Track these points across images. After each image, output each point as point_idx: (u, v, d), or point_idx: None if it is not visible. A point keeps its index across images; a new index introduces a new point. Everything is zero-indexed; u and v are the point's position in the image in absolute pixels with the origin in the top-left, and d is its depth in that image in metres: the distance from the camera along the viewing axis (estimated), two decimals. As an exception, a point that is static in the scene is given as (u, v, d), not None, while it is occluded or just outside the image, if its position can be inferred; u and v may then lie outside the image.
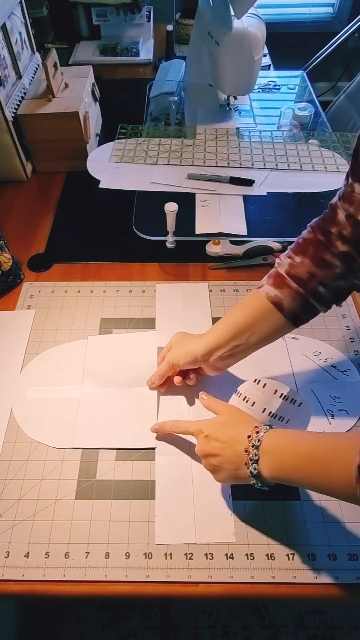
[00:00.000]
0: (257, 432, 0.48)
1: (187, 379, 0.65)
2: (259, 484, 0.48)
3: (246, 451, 0.47)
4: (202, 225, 0.86)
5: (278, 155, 0.97)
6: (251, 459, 0.47)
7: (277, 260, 0.58)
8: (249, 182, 0.89)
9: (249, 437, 0.48)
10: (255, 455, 0.46)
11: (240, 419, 0.52)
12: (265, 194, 0.89)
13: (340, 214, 0.52)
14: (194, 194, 0.89)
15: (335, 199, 0.54)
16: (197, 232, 0.85)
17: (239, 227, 0.86)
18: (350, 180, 0.51)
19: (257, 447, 0.47)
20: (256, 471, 0.46)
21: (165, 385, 0.66)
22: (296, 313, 0.56)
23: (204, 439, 0.52)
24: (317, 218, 0.56)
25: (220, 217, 0.87)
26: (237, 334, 0.57)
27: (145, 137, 1.01)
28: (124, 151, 0.97)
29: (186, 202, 0.85)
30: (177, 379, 0.64)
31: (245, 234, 0.85)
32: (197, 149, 0.98)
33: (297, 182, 0.91)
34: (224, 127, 1.05)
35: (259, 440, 0.47)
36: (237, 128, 1.04)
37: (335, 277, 0.54)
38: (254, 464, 0.46)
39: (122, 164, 0.91)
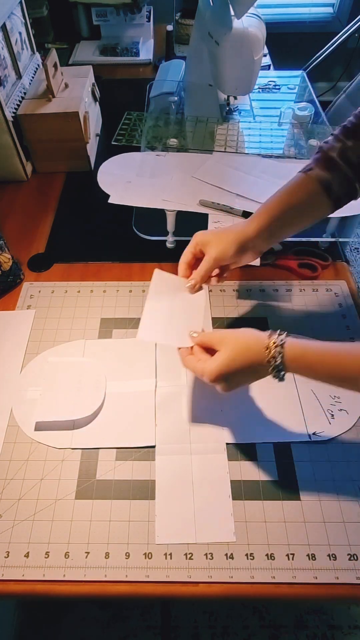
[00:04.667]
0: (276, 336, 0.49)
1: (222, 273, 0.64)
2: (279, 370, 0.49)
3: (267, 348, 0.49)
4: None
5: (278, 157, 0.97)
6: (275, 345, 0.48)
7: (323, 144, 0.58)
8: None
9: (266, 348, 0.49)
10: (280, 344, 0.48)
11: (248, 346, 0.51)
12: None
13: None
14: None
15: None
16: None
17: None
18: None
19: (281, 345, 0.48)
20: (280, 355, 0.48)
21: (209, 281, 0.64)
22: (339, 196, 0.57)
23: (224, 383, 0.52)
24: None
25: None
26: (284, 214, 0.58)
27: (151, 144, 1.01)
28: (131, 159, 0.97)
29: (198, 218, 0.84)
30: (213, 280, 0.64)
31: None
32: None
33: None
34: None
35: (282, 340, 0.49)
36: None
37: None
38: (277, 348, 0.48)
39: (135, 179, 0.90)
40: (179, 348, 0.57)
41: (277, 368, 0.48)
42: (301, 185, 0.58)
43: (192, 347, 0.56)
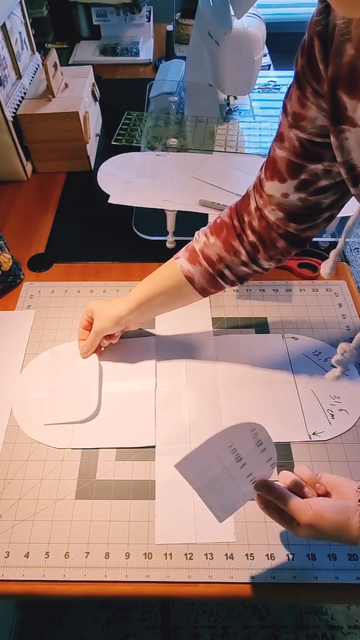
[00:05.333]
0: None
1: (112, 337, 0.70)
2: None
3: None
4: None
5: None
6: None
7: (196, 234, 0.62)
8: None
9: None
10: None
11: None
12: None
13: (252, 203, 0.56)
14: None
15: (251, 186, 0.58)
16: None
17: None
18: (261, 174, 0.54)
19: None
20: None
21: (98, 351, 0.70)
22: (204, 287, 0.62)
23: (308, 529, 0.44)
24: (238, 200, 0.60)
25: None
26: (152, 298, 0.64)
27: (151, 144, 1.01)
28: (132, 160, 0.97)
29: (198, 218, 0.83)
30: (104, 342, 0.70)
31: None
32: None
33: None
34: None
35: None
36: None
37: (239, 263, 0.59)
38: None
39: (135, 179, 0.89)
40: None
41: None
42: (169, 274, 0.63)
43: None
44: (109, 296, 0.79)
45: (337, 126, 0.41)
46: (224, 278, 0.61)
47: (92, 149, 1.07)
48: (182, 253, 0.62)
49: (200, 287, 0.62)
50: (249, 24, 0.83)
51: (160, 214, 0.81)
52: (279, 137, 0.50)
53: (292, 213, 0.53)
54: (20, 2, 1.03)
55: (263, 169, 0.54)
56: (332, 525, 0.43)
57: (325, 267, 0.49)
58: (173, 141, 0.97)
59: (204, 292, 0.63)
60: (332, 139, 0.43)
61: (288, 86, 0.48)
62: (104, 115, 1.20)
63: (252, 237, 0.57)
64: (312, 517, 0.43)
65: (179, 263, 0.62)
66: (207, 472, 0.45)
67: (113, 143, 0.98)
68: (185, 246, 0.63)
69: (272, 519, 0.46)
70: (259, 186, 0.55)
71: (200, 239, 0.61)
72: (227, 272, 0.60)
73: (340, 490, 0.45)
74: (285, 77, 1.30)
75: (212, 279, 0.61)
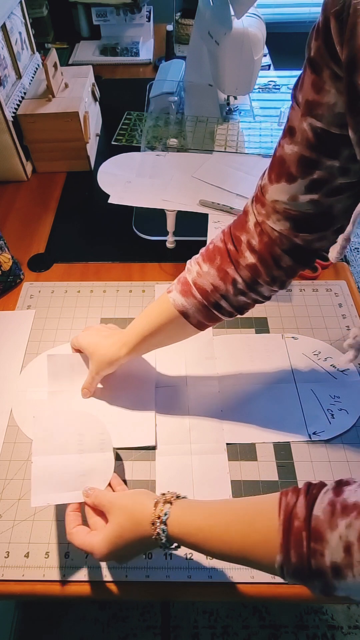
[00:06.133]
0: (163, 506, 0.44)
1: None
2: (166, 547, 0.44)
3: (153, 524, 0.43)
4: None
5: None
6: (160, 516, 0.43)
7: (187, 263, 0.57)
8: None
9: (152, 523, 0.43)
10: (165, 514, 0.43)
11: (136, 520, 0.45)
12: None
13: (250, 219, 0.51)
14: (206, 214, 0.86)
15: (247, 203, 0.52)
16: None
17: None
18: (262, 182, 0.50)
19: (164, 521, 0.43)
20: (165, 533, 0.42)
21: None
22: (200, 321, 0.56)
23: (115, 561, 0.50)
24: (234, 220, 0.54)
25: None
26: (149, 338, 0.59)
27: (151, 144, 1.01)
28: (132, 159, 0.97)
29: (198, 218, 0.83)
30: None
31: None
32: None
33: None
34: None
35: (165, 514, 0.43)
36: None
37: (237, 293, 0.53)
38: (161, 526, 0.43)
39: (135, 179, 0.89)
40: (67, 515, 0.51)
41: (164, 546, 0.44)
42: (163, 310, 0.57)
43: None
44: (109, 296, 0.79)
45: (356, 118, 0.37)
46: (221, 310, 0.54)
47: (92, 149, 1.07)
48: (175, 286, 0.56)
49: (197, 321, 0.56)
50: (249, 24, 0.83)
51: (160, 214, 0.81)
52: (288, 132, 0.45)
53: (301, 220, 0.47)
54: (20, 2, 1.03)
55: (265, 175, 0.49)
56: (125, 507, 0.46)
57: (332, 252, 0.46)
58: (173, 141, 0.97)
59: (201, 326, 0.57)
60: (351, 133, 0.39)
61: (297, 78, 0.44)
62: (104, 115, 1.20)
63: (251, 259, 0.50)
64: (109, 498, 0.48)
65: (172, 297, 0.56)
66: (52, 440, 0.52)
67: (113, 143, 0.98)
68: (178, 277, 0.57)
69: (78, 542, 0.47)
70: (260, 195, 0.50)
71: (193, 269, 0.55)
72: (223, 302, 0.54)
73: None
74: (285, 77, 1.30)
75: (207, 312, 0.55)
